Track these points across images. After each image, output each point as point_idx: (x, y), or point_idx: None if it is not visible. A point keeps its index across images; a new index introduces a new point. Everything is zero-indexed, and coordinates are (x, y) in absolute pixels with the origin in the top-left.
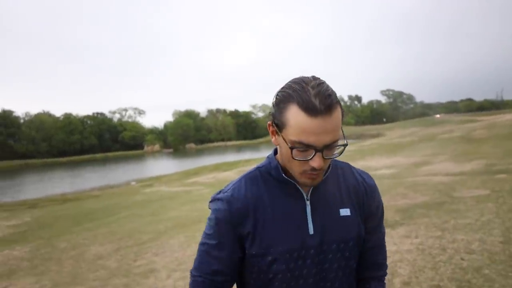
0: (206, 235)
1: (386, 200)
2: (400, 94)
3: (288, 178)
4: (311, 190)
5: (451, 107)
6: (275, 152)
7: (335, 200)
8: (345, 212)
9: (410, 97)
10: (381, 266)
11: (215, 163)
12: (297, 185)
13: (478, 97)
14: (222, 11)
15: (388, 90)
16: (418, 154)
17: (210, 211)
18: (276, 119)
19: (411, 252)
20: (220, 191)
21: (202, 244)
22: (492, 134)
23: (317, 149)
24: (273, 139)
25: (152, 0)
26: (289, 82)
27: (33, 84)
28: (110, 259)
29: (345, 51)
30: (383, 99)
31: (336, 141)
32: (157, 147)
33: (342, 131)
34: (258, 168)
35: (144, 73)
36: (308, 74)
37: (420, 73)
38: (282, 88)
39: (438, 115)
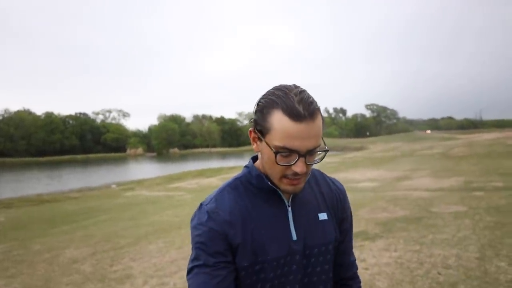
0: (200, 253)
1: (367, 213)
2: (384, 109)
3: (272, 186)
4: (291, 196)
5: (432, 124)
6: (254, 160)
7: (313, 206)
8: (323, 216)
9: (394, 113)
10: (354, 263)
11: (199, 169)
12: (279, 191)
13: (458, 116)
14: (215, 17)
15: (372, 104)
16: (400, 169)
17: (191, 226)
18: (259, 125)
19: (389, 265)
20: (201, 204)
21: (198, 266)
22: (471, 153)
23: (300, 154)
24: (254, 146)
25: (143, 4)
26: (272, 89)
27: (14, 81)
28: (85, 263)
29: (332, 65)
30: (367, 113)
31: (318, 146)
32: (140, 150)
33: (322, 139)
34: (237, 178)
35: (131, 76)
36: (292, 83)
37: (404, 89)
38: (265, 94)
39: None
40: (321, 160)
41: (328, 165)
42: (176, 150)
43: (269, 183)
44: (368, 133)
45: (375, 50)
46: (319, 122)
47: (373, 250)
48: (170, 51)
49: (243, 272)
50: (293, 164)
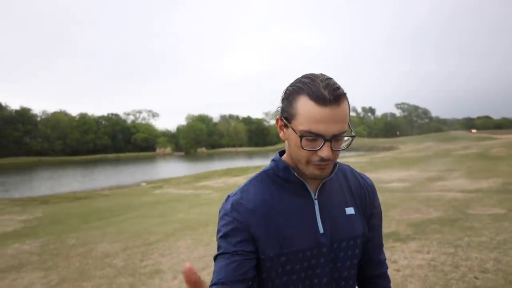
0: (222, 242)
1: (398, 214)
2: (416, 108)
3: (299, 177)
4: (318, 189)
5: (467, 124)
6: (281, 154)
7: (340, 200)
8: (350, 211)
9: (426, 112)
10: (384, 262)
11: (226, 168)
12: (306, 183)
13: (496, 115)
14: (239, 18)
15: (403, 103)
16: (432, 169)
17: (219, 217)
18: (285, 112)
19: (422, 267)
20: (228, 196)
21: (220, 254)
22: (510, 153)
23: (326, 139)
24: (281, 134)
25: (168, 7)
26: (299, 77)
27: (51, 84)
28: (117, 258)
29: (358, 63)
30: (398, 112)
31: (344, 132)
32: (168, 149)
33: (349, 125)
34: (265, 171)
35: (160, 77)
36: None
37: (436, 88)
38: (292, 83)
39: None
40: (348, 147)
41: (356, 165)
42: (203, 149)
43: (295, 174)
44: (398, 133)
45: (408, 49)
46: (345, 107)
47: (405, 252)
48: (198, 53)
49: (269, 263)
50: (318, 149)
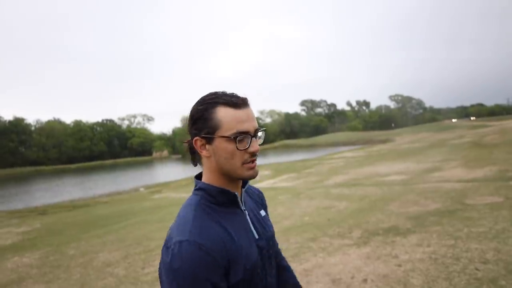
0: None
1: (397, 207)
2: (409, 99)
3: (233, 192)
4: (242, 201)
5: (461, 112)
6: (198, 178)
7: (255, 205)
8: (263, 213)
9: (420, 102)
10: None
11: None
12: (238, 198)
13: (489, 102)
14: (227, 17)
15: (396, 95)
16: (429, 160)
17: (173, 269)
18: (205, 129)
19: (423, 261)
20: (180, 242)
21: None
22: (505, 140)
23: (252, 135)
24: (203, 153)
25: (156, 7)
26: (198, 101)
27: (44, 93)
28: (119, 267)
29: (349, 56)
30: (392, 104)
31: (259, 127)
32: (165, 153)
33: (258, 122)
34: (196, 203)
35: (152, 81)
36: (310, 80)
37: (429, 78)
38: (194, 106)
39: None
40: (263, 139)
41: (353, 159)
42: None
43: (230, 190)
44: (393, 125)
45: (398, 38)
46: (251, 108)
47: (405, 246)
48: (187, 54)
49: (240, 285)
50: (249, 146)
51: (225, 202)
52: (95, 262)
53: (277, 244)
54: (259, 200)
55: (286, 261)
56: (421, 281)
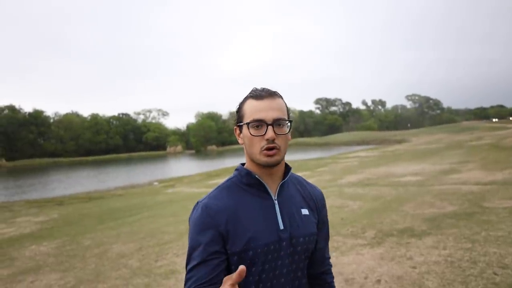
0: (192, 242)
1: (412, 208)
2: (427, 99)
3: (260, 179)
4: (277, 191)
5: (480, 114)
6: (242, 164)
7: (296, 201)
8: (305, 211)
9: (437, 103)
10: (329, 261)
11: (236, 165)
12: (266, 185)
13: (510, 104)
14: (239, 14)
15: (413, 95)
16: (446, 162)
17: (190, 223)
18: (238, 119)
19: (439, 264)
20: (197, 202)
21: (190, 254)
22: None
23: (268, 123)
24: (240, 141)
25: (170, 3)
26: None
27: (62, 86)
28: (132, 258)
29: (362, 54)
30: (408, 104)
31: (283, 119)
32: (179, 148)
33: (288, 114)
34: (230, 179)
35: (168, 76)
36: (324, 78)
37: (447, 78)
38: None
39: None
40: (289, 131)
41: (367, 159)
42: (213, 147)
43: (256, 176)
44: (409, 125)
45: (416, 38)
46: (280, 101)
47: (421, 248)
48: (202, 50)
49: (236, 257)
50: (264, 133)
51: (251, 184)
52: (109, 253)
53: (319, 252)
54: (309, 198)
55: (332, 279)
56: (436, 284)
